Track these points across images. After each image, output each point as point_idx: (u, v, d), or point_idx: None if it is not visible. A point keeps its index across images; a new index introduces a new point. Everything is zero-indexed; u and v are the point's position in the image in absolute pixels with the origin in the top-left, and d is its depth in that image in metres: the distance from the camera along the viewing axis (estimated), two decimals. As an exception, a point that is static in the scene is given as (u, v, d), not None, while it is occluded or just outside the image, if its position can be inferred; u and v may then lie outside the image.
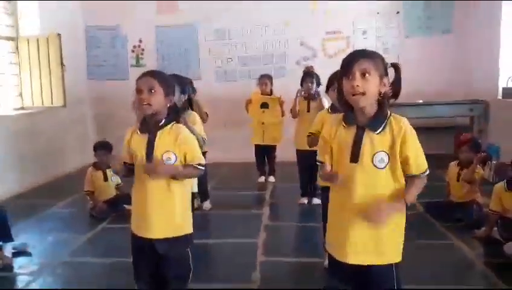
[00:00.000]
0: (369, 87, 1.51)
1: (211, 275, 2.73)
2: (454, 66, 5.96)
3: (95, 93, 6.54)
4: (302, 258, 2.90)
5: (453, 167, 3.77)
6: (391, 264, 1.60)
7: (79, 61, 6.40)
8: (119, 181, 4.15)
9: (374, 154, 1.54)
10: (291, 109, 4.20)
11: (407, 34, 6.09)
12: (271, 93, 4.88)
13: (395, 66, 1.61)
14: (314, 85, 4.08)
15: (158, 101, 1.86)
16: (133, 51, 6.54)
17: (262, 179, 5.11)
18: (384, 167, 1.54)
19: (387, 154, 1.54)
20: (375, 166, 1.54)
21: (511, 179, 3.05)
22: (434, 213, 3.70)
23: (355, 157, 1.56)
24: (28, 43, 5.56)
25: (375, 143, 1.54)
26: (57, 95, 5.79)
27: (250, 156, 5.17)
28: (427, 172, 1.59)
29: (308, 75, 4.11)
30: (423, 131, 6.14)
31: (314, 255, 2.88)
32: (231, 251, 3.16)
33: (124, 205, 3.95)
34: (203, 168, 1.95)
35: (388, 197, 1.56)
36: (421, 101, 5.55)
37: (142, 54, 6.53)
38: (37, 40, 5.56)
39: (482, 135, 5.41)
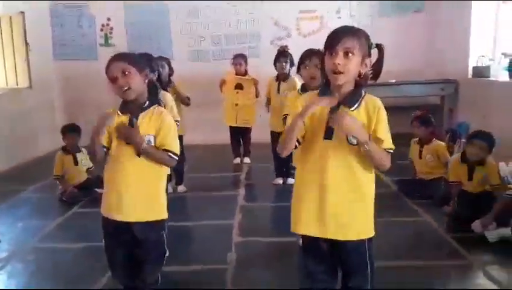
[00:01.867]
0: (350, 67, 1.51)
1: (187, 257, 2.71)
2: (426, 46, 6.05)
3: (62, 74, 6.31)
4: (277, 237, 2.92)
5: (414, 144, 3.87)
6: (364, 240, 1.63)
7: (44, 41, 6.14)
8: (90, 165, 4.04)
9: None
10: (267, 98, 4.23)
11: (380, 13, 6.10)
12: (245, 73, 4.81)
13: (379, 47, 1.61)
14: (288, 65, 4.04)
15: (136, 81, 1.83)
16: (101, 30, 6.31)
17: (237, 160, 5.09)
18: (356, 144, 1.55)
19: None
20: (349, 142, 1.55)
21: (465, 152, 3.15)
22: (406, 191, 3.78)
23: (329, 134, 1.56)
24: (-11, 21, 5.30)
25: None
26: (22, 76, 5.58)
27: (225, 138, 5.13)
28: (392, 151, 1.61)
29: (282, 54, 4.06)
30: (395, 110, 6.23)
31: (290, 234, 2.84)
32: (207, 232, 3.15)
33: (96, 189, 3.85)
34: (176, 158, 1.90)
35: (362, 177, 1.60)
36: (393, 80, 5.60)
37: (111, 33, 6.32)
38: (-1, 19, 5.30)
39: (453, 113, 5.54)
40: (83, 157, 4.00)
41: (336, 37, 1.52)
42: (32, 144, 5.57)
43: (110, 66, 1.84)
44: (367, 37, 1.57)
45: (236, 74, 4.78)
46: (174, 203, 3.78)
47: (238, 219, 3.33)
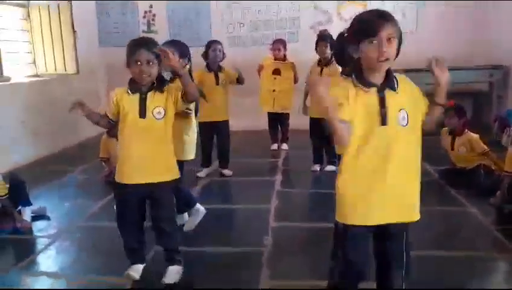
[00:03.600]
0: (393, 52, 1.50)
1: (224, 239, 2.78)
2: (473, 30, 5.75)
3: (107, 60, 6.51)
4: (313, 223, 2.93)
5: (445, 135, 3.72)
6: (407, 224, 1.65)
7: (90, 28, 6.36)
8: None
9: (398, 113, 1.54)
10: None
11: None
12: (284, 58, 4.77)
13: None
14: (328, 49, 3.92)
15: (155, 71, 2.11)
16: (144, 17, 6.45)
17: (275, 146, 5.11)
18: (407, 124, 1.54)
19: (406, 111, 1.55)
20: (400, 125, 1.54)
21: None
22: (448, 180, 3.67)
23: (384, 119, 1.53)
24: (40, 10, 5.53)
25: (397, 102, 1.54)
26: (70, 62, 5.81)
27: (265, 124, 5.15)
28: None
29: (322, 38, 3.98)
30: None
31: (325, 220, 2.88)
32: (244, 216, 3.21)
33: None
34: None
35: (416, 157, 1.61)
36: (438, 66, 5.39)
37: (153, 20, 6.45)
38: (48, 7, 5.53)
39: (502, 100, 5.28)
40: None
41: (376, 23, 1.47)
42: (80, 127, 5.81)
43: (139, 50, 2.07)
44: (398, 23, 1.54)
45: (275, 59, 4.75)
46: (213, 187, 3.89)
47: (274, 204, 3.35)
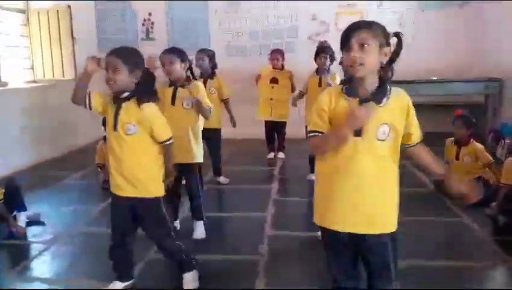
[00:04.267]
0: (367, 58, 1.49)
1: (221, 246, 2.78)
2: (470, 42, 5.84)
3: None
4: (309, 232, 2.92)
5: (450, 145, 3.73)
6: (388, 234, 1.60)
7: (89, 34, 6.38)
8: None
9: (378, 127, 1.53)
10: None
11: (423, 6, 5.93)
12: (282, 68, 4.82)
13: (397, 35, 1.58)
14: (328, 60, 4.02)
15: (122, 79, 2.02)
16: (143, 25, 6.49)
17: (271, 155, 5.12)
18: (385, 138, 1.54)
19: (389, 126, 1.54)
20: (378, 139, 1.54)
21: None
22: (443, 190, 3.67)
23: (359, 131, 1.52)
24: (39, 15, 5.56)
25: (379, 116, 1.52)
26: (68, 68, 5.83)
27: (261, 132, 5.16)
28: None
29: (322, 50, 4.04)
30: (436, 108, 6.12)
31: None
32: (241, 224, 3.20)
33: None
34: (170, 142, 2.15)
35: (392, 171, 1.60)
36: (434, 78, 5.45)
37: (152, 27, 6.49)
38: (47, 13, 5.56)
39: (497, 113, 5.33)
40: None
41: (348, 32, 1.51)
42: (77, 132, 5.82)
43: (108, 57, 2.09)
44: (382, 28, 1.54)
45: (273, 68, 4.79)
46: (209, 195, 3.88)
47: (271, 213, 3.36)
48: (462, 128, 3.61)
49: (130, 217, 2.16)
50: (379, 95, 1.54)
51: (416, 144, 1.63)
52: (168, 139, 2.13)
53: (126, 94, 2.07)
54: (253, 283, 2.31)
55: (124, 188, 2.10)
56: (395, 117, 1.54)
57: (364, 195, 1.56)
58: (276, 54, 4.79)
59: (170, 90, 2.80)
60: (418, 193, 3.71)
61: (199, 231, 2.92)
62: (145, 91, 2.09)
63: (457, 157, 3.66)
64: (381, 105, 1.53)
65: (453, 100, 5.60)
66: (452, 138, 3.72)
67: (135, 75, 2.05)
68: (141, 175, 2.09)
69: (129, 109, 2.05)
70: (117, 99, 2.09)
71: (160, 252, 2.30)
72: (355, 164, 1.55)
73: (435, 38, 5.84)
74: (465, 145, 3.63)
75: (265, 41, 6.22)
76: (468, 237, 2.91)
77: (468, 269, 2.46)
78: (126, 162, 2.07)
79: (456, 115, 3.71)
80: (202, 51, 4.07)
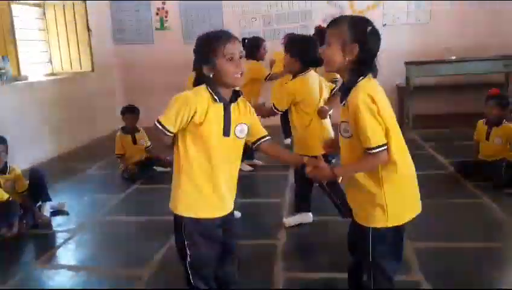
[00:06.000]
0: (328, 55, 1.56)
1: (240, 231, 2.80)
2: (488, 21, 5.67)
3: (122, 57, 6.60)
4: (326, 216, 2.94)
5: (481, 125, 3.66)
6: (368, 227, 1.60)
7: (104, 26, 6.44)
8: (148, 143, 4.25)
9: (340, 124, 1.62)
10: None
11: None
12: (296, 53, 4.77)
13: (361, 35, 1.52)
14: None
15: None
16: (157, 14, 6.50)
17: (288, 140, 5.11)
18: (349, 136, 1.59)
19: (349, 123, 1.56)
20: (341, 135, 1.63)
21: None
22: (464, 172, 3.63)
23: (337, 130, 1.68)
24: (55, 8, 5.63)
25: (343, 112, 1.60)
26: (85, 60, 5.91)
27: (276, 119, 5.15)
28: (377, 150, 1.48)
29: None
30: (455, 89, 5.97)
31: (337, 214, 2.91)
32: (259, 209, 3.24)
33: (154, 167, 4.13)
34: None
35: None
36: (453, 57, 5.32)
37: (166, 17, 6.50)
38: (63, 6, 5.62)
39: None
40: (141, 137, 4.22)
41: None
42: (96, 124, 5.92)
43: (230, 41, 1.59)
44: (353, 24, 1.52)
45: (287, 54, 4.75)
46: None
47: (288, 198, 3.38)
48: (496, 108, 3.52)
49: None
50: (343, 93, 1.60)
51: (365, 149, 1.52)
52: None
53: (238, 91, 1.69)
54: (272, 267, 2.34)
55: (230, 205, 1.74)
56: (350, 116, 1.53)
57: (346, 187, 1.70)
58: (290, 38, 4.73)
59: None
60: (438, 175, 3.67)
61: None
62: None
63: (487, 138, 3.59)
64: (341, 104, 1.60)
65: (473, 80, 5.47)
66: (484, 119, 3.65)
67: None
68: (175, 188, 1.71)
69: (238, 106, 1.69)
70: (221, 96, 1.62)
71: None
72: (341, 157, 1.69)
73: (453, 19, 5.69)
74: (497, 125, 3.54)
75: (278, 26, 6.17)
76: (488, 218, 2.88)
77: (489, 250, 2.44)
78: (234, 173, 1.73)
79: (491, 94, 3.60)
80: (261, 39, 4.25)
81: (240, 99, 1.69)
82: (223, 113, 1.62)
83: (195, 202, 1.64)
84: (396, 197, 1.57)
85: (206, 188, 1.64)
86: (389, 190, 1.55)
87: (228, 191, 1.70)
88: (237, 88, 1.67)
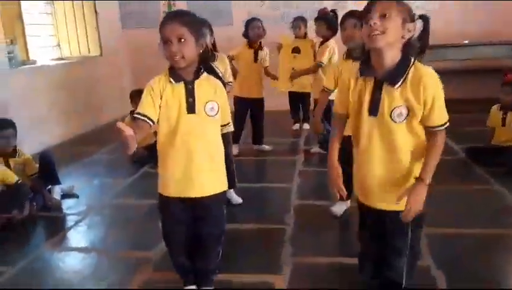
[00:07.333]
0: (388, 26, 1.42)
1: (248, 216, 2.83)
2: (499, 5, 5.53)
3: (129, 41, 6.57)
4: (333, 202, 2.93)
5: (496, 111, 3.61)
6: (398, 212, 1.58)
7: (112, 10, 6.39)
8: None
9: (393, 109, 1.50)
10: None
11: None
12: (305, 37, 4.69)
13: (424, 18, 1.52)
14: (325, 29, 3.84)
15: (190, 51, 1.63)
16: (164, -3, 6.44)
17: (296, 126, 5.09)
18: (403, 120, 1.50)
19: (407, 107, 1.49)
20: (393, 120, 1.50)
21: None
22: (475, 158, 3.60)
23: (373, 111, 1.53)
24: (62, -8, 5.59)
25: (394, 97, 1.49)
26: (93, 44, 5.89)
27: (285, 104, 5.12)
28: (446, 124, 1.51)
29: (319, 19, 3.94)
30: (467, 74, 5.88)
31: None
32: (267, 194, 3.24)
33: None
34: (231, 128, 1.96)
35: (407, 154, 1.54)
36: (466, 41, 5.23)
37: (174, 0, 6.43)
38: (70, -11, 5.58)
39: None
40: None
41: (369, 4, 1.47)
42: (105, 108, 5.93)
43: (168, 24, 1.62)
44: (406, 4, 1.48)
45: (296, 37, 4.68)
46: (237, 166, 3.92)
47: (296, 183, 3.37)
48: (510, 94, 3.48)
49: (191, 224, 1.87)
50: (395, 74, 1.48)
51: (433, 129, 1.50)
52: (228, 123, 1.86)
53: (201, 70, 1.73)
54: (280, 251, 2.35)
55: (200, 187, 1.75)
56: (413, 97, 1.47)
57: (380, 175, 1.58)
58: (298, 22, 4.64)
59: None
60: (448, 161, 3.63)
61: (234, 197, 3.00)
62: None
63: (503, 123, 3.55)
64: (396, 86, 1.48)
65: (484, 64, 5.37)
66: (498, 104, 3.60)
67: (200, 46, 1.69)
68: (219, 165, 1.81)
69: (204, 85, 1.72)
70: (182, 76, 1.69)
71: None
72: (370, 144, 1.56)
73: (464, 3, 5.58)
74: (511, 110, 3.50)
75: (287, 10, 6.09)
76: (499, 204, 2.85)
77: (499, 236, 2.42)
78: (205, 153, 1.74)
79: (507, 80, 3.55)
80: (255, 19, 4.14)
81: (203, 78, 1.73)
82: (184, 92, 1.68)
83: (162, 179, 1.79)
84: None
85: (171, 167, 1.73)
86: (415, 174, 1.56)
87: (199, 172, 1.72)
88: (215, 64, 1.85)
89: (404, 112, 1.49)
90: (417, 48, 1.51)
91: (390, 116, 1.50)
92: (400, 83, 1.47)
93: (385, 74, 1.49)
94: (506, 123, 3.53)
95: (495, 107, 3.64)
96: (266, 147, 4.30)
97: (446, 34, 5.30)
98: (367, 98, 1.54)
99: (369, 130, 1.55)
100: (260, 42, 4.13)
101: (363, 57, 1.56)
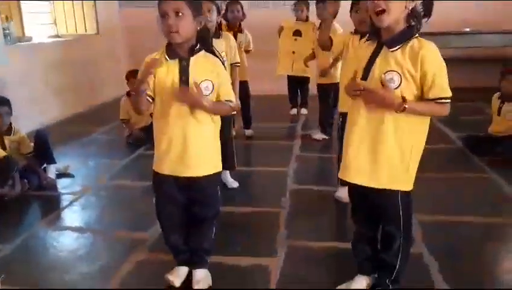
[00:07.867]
0: (391, 3, 1.43)
1: (244, 199, 2.84)
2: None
3: (127, 21, 6.47)
4: (329, 186, 2.93)
5: (495, 100, 3.60)
6: (396, 191, 1.58)
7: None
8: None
9: (385, 73, 1.49)
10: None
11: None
12: (307, 20, 4.61)
13: None
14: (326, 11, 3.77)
15: (187, 26, 1.60)
16: (163, -24, 6.32)
17: (294, 111, 5.06)
18: (395, 88, 1.48)
19: (400, 74, 1.47)
20: (383, 85, 1.49)
21: None
22: (472, 147, 3.59)
23: (366, 73, 1.53)
24: (59, -32, 5.48)
25: (389, 62, 1.49)
26: (90, 23, 5.80)
27: (283, 88, 5.08)
28: (448, 100, 1.50)
29: (320, 1, 3.84)
30: (469, 62, 5.84)
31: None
32: (264, 178, 3.23)
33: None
34: (233, 105, 1.80)
35: (396, 132, 1.52)
36: (467, 29, 5.18)
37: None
38: (68, -35, 5.47)
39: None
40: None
41: None
42: (101, 88, 5.87)
43: (163, 0, 1.61)
44: None
45: (297, 20, 4.60)
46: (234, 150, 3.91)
47: (293, 168, 3.36)
48: (511, 84, 3.45)
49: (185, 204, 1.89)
50: (395, 39, 1.49)
51: (429, 100, 1.48)
52: (230, 101, 1.78)
53: (197, 47, 1.68)
54: (275, 234, 2.35)
55: (193, 167, 1.74)
56: (410, 66, 1.46)
57: (366, 145, 1.56)
58: (301, 4, 4.55)
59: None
60: (445, 149, 3.63)
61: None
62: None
63: (498, 113, 3.54)
64: (391, 50, 1.49)
65: (486, 53, 5.33)
66: (498, 93, 3.59)
67: (198, 23, 1.66)
68: (213, 146, 1.81)
69: (200, 62, 1.69)
70: (178, 53, 1.67)
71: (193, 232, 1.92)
72: (360, 108, 1.55)
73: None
74: (510, 101, 3.47)
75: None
76: (496, 193, 2.85)
77: (496, 225, 2.43)
78: (199, 133, 1.73)
79: (506, 70, 3.53)
80: (234, 2, 3.99)
81: (200, 55, 1.69)
82: (178, 69, 1.66)
83: (156, 156, 1.79)
84: (417, 159, 1.58)
85: (163, 144, 1.73)
86: (414, 150, 1.55)
87: (192, 152, 1.71)
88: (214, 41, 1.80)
89: (397, 78, 1.47)
90: (421, 15, 1.51)
91: (381, 81, 1.49)
92: (396, 48, 1.48)
93: (387, 39, 1.51)
94: (502, 113, 3.52)
95: (495, 96, 3.63)
96: (247, 132, 4.24)
97: (448, 22, 5.25)
98: (363, 64, 1.56)
99: (358, 100, 1.55)
100: (239, 24, 4.02)
101: (372, 29, 1.58)
